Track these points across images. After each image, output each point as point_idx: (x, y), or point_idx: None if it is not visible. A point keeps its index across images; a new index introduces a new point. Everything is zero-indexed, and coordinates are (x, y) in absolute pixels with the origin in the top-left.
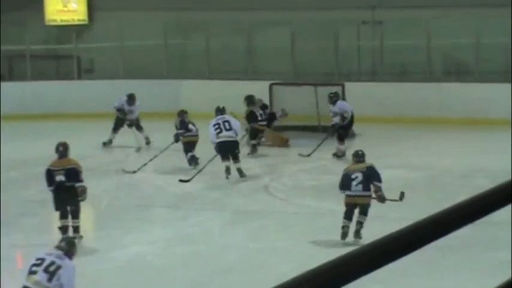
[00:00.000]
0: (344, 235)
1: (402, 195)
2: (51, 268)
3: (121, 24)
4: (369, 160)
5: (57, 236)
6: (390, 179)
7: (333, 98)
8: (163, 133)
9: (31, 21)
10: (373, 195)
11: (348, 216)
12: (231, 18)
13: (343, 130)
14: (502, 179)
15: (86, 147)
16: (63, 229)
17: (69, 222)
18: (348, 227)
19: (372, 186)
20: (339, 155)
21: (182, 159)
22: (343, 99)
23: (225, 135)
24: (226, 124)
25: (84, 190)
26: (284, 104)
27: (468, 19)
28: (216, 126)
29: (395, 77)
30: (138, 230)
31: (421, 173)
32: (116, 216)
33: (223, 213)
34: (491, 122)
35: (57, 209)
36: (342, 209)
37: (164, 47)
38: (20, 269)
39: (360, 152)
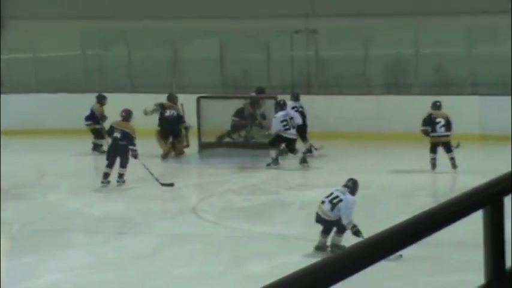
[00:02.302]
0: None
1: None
2: (335, 200)
3: (33, 33)
4: (301, 179)
5: None
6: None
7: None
8: (78, 153)
9: None
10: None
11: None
12: (154, 28)
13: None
14: (443, 197)
15: None
16: (105, 175)
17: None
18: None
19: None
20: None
21: (99, 178)
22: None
23: (292, 134)
24: (292, 121)
25: (135, 154)
26: (213, 118)
27: (408, 28)
28: (285, 123)
29: (331, 90)
30: (53, 257)
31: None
32: (29, 243)
33: (148, 237)
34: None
35: (107, 158)
36: (274, 231)
37: (82, 59)
38: None
39: (438, 103)
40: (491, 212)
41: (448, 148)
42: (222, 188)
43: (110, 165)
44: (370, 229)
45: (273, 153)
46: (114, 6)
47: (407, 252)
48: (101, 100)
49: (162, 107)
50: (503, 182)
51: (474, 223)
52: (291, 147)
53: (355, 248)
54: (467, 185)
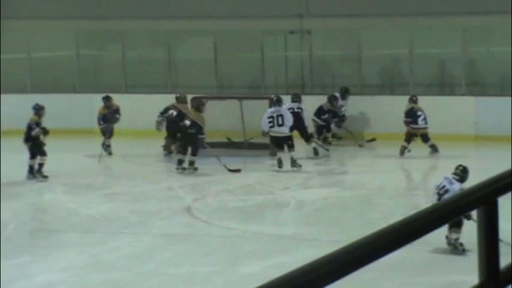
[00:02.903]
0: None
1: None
2: (441, 191)
3: (28, 33)
4: (297, 181)
5: None
6: (319, 198)
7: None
8: (73, 153)
9: None
10: None
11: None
12: (148, 28)
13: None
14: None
15: None
16: (180, 162)
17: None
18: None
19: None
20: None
21: (94, 179)
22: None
23: (277, 131)
24: (280, 119)
25: (203, 143)
26: (207, 119)
27: (401, 29)
28: (270, 120)
29: (325, 90)
30: (48, 257)
31: (353, 192)
32: (23, 243)
33: (143, 237)
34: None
35: (179, 146)
36: (269, 231)
37: (76, 59)
38: None
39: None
40: (485, 212)
41: (426, 138)
42: (217, 188)
43: (183, 151)
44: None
45: (278, 154)
46: (108, 6)
47: (401, 252)
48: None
49: (165, 111)
50: (497, 182)
51: (468, 224)
52: (277, 144)
53: (349, 248)
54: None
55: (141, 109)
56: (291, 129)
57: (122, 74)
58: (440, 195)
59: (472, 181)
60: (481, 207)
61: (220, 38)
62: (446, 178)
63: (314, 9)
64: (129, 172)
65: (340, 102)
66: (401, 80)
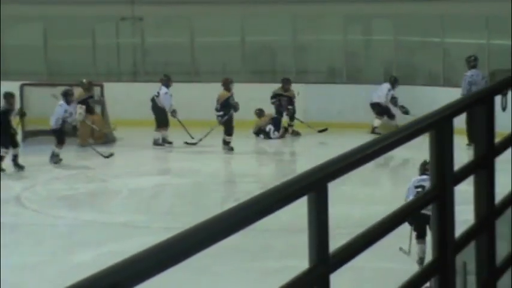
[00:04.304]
0: None
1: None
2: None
3: None
4: (127, 169)
5: None
6: (151, 186)
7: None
8: None
9: None
10: None
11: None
12: None
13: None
14: (271, 183)
15: None
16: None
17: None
18: None
19: None
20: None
21: None
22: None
23: None
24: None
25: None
26: (37, 106)
27: (233, 16)
28: None
29: (157, 77)
30: None
31: (187, 179)
32: None
33: None
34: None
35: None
36: (101, 219)
37: None
38: None
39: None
40: (315, 198)
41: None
42: (47, 176)
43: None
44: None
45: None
46: None
47: (235, 238)
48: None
49: None
50: (327, 168)
51: (299, 208)
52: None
53: (183, 234)
54: (297, 171)
55: None
56: (62, 123)
57: None
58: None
59: (306, 166)
60: (311, 192)
61: (50, 23)
62: (423, 180)
63: None
64: None
65: (391, 91)
66: (232, 68)
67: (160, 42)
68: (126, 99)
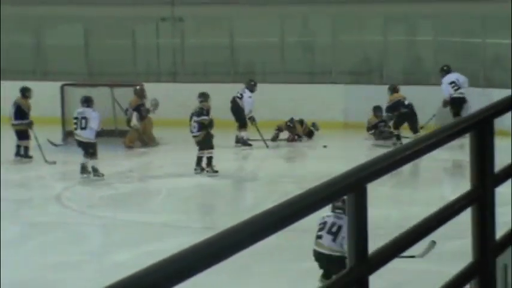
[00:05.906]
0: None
1: None
2: (334, 229)
3: None
4: (167, 169)
5: None
6: (190, 186)
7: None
8: None
9: None
10: None
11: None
12: (17, 13)
13: None
14: (308, 184)
15: None
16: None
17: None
18: None
19: None
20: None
21: None
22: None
23: (79, 135)
24: (84, 121)
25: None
26: (78, 107)
27: (272, 17)
28: (74, 121)
29: (197, 78)
30: None
31: (227, 180)
32: None
33: (12, 226)
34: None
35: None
36: (140, 219)
37: None
38: None
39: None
40: (355, 199)
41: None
42: (88, 176)
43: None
44: (236, 216)
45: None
46: None
47: (272, 239)
48: (25, 93)
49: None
50: (365, 169)
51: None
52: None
53: (223, 234)
54: (333, 172)
55: (8, 96)
56: (98, 134)
57: None
58: (334, 233)
59: (342, 167)
60: (350, 193)
61: (91, 24)
62: (328, 216)
63: None
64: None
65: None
66: (273, 68)
67: (199, 43)
68: (165, 99)
